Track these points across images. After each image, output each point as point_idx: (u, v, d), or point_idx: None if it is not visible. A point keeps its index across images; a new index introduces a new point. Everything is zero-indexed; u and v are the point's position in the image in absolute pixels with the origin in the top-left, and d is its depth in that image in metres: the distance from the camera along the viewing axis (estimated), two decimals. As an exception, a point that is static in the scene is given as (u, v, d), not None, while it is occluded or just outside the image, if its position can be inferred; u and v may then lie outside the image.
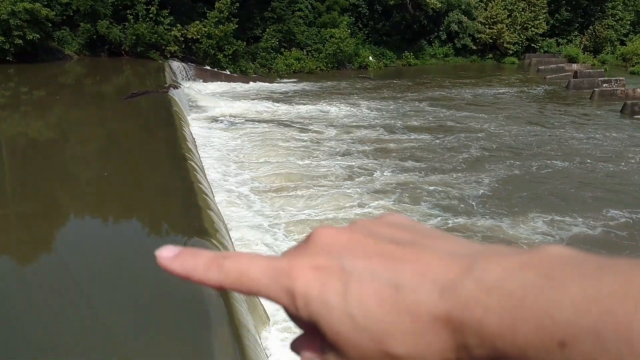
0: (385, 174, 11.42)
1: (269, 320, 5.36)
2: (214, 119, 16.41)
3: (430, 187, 10.66)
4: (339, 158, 12.54)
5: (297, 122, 16.45)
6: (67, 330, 3.98)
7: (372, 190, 10.34)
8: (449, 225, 8.71)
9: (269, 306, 5.60)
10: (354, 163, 12.12)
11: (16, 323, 4.08)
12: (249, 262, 0.36)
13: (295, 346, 0.37)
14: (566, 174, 11.94)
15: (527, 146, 14.40)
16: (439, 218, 9.07)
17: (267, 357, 4.51)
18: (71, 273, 4.93)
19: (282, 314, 4.12)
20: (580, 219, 9.20)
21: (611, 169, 12.44)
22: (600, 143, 14.86)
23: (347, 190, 10.22)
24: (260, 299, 4.62)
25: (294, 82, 26.25)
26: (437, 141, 14.61)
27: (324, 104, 19.72)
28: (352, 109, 19.18)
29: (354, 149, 13.52)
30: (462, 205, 9.74)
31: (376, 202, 9.64)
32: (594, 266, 0.29)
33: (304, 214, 8.83)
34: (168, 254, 0.39)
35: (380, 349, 0.32)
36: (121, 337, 3.92)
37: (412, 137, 15.03)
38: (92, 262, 5.21)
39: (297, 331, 0.35)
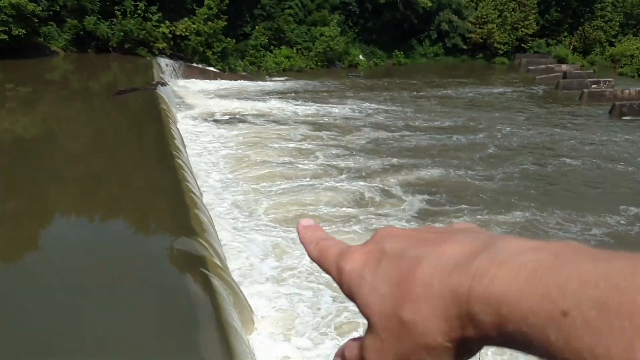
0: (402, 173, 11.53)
1: (255, 321, 5.30)
2: (202, 117, 16.27)
3: (455, 185, 10.86)
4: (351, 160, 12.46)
5: (294, 122, 16.35)
6: (53, 330, 3.91)
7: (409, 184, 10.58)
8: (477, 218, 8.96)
9: (257, 307, 5.53)
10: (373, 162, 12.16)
11: (1, 321, 3.99)
12: (333, 246, 0.44)
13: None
14: (578, 174, 12.14)
15: (534, 146, 14.59)
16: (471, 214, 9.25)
17: (254, 357, 4.46)
18: (57, 272, 4.89)
19: (271, 316, 4.05)
20: (609, 218, 9.37)
21: (620, 169, 12.62)
22: (601, 144, 15.03)
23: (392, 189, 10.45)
24: (248, 300, 4.56)
25: (283, 80, 26.14)
26: (456, 141, 14.84)
27: (321, 103, 19.64)
28: (351, 107, 19.22)
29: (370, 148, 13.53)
30: (487, 201, 9.96)
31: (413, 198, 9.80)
32: (604, 254, 0.31)
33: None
34: (304, 224, 0.48)
35: (395, 315, 0.37)
36: (108, 337, 3.86)
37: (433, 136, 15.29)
38: (79, 261, 5.13)
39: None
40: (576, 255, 0.31)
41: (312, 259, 0.45)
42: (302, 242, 0.46)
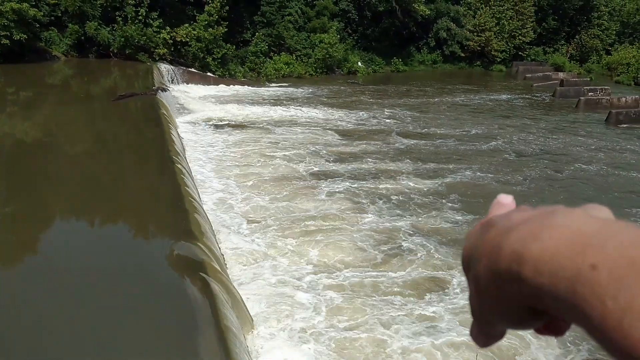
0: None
1: (253, 324, 5.37)
2: (202, 122, 16.35)
3: (485, 187, 11.32)
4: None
5: (298, 126, 16.40)
6: (53, 331, 3.96)
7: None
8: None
9: (254, 310, 5.60)
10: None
11: (2, 324, 4.05)
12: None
13: None
14: (588, 179, 12.50)
15: (545, 152, 14.94)
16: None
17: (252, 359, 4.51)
18: (57, 276, 4.92)
19: (269, 319, 4.14)
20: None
21: (627, 175, 12.90)
22: (603, 151, 15.30)
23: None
24: (246, 303, 4.62)
25: (284, 86, 26.17)
26: (477, 146, 15.21)
27: (325, 109, 19.70)
28: (365, 113, 19.37)
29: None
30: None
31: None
32: None
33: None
34: (500, 199, 0.49)
35: (470, 262, 0.44)
36: (108, 339, 3.92)
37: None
38: (78, 264, 5.18)
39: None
40: (621, 226, 0.35)
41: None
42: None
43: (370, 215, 9.27)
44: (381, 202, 9.99)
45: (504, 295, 0.39)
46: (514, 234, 0.39)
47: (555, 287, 0.34)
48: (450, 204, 10.02)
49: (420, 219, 9.25)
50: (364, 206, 9.69)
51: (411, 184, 11.21)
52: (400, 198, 10.29)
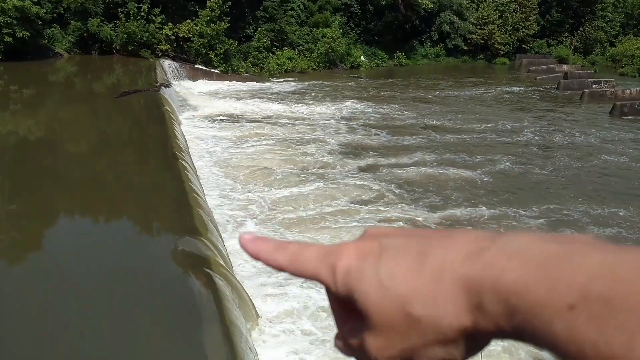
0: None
1: (259, 319, 5.38)
2: (205, 118, 16.34)
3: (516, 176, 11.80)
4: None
5: (302, 124, 16.35)
6: (58, 329, 3.99)
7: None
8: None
9: (260, 306, 5.62)
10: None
11: (7, 321, 4.07)
12: (307, 246, 0.41)
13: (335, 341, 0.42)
14: (608, 170, 12.69)
15: (560, 145, 15.11)
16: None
17: (257, 355, 4.53)
18: (62, 272, 4.94)
19: (272, 315, 4.15)
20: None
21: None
22: (613, 142, 15.46)
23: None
24: (252, 299, 4.63)
25: (289, 81, 26.05)
26: (502, 139, 15.53)
27: (326, 105, 19.63)
28: (388, 108, 19.34)
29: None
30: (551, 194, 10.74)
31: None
32: (614, 247, 0.31)
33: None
34: (248, 237, 0.42)
35: (402, 311, 0.35)
36: (112, 336, 3.94)
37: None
38: (83, 262, 5.21)
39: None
40: (585, 247, 0.31)
41: (282, 267, 0.41)
42: (256, 256, 0.42)
43: (408, 205, 9.49)
44: (421, 193, 10.21)
45: (469, 333, 0.34)
46: (475, 265, 0.34)
47: (532, 325, 0.31)
48: (488, 196, 10.29)
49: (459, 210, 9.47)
50: (401, 197, 9.88)
51: (449, 175, 11.46)
52: (440, 190, 10.51)
